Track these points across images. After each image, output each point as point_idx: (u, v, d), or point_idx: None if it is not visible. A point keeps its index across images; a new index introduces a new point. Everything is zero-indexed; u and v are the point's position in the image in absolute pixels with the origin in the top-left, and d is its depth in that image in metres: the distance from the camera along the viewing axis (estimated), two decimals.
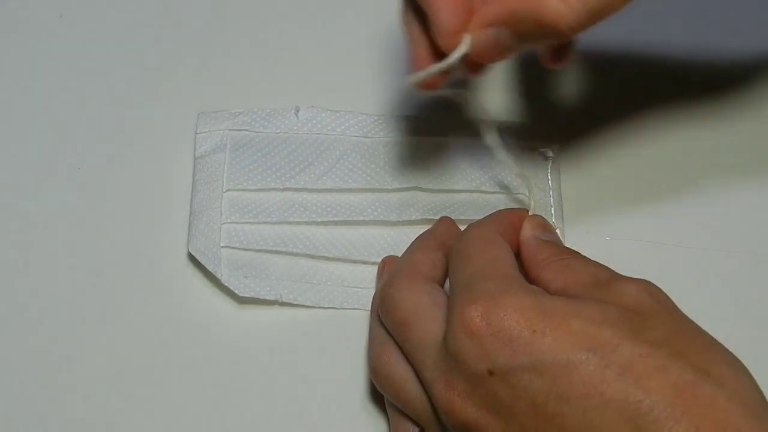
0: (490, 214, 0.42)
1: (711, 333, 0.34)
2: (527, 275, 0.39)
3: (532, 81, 0.51)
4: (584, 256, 0.39)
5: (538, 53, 0.42)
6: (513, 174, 0.47)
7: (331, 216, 0.46)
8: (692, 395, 0.31)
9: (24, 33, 0.52)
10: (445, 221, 0.44)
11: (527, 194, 0.47)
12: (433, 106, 0.50)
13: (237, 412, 0.42)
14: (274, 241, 0.45)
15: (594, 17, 0.37)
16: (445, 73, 0.40)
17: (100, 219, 0.47)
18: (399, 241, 0.46)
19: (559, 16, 0.36)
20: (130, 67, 0.51)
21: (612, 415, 0.31)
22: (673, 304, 0.35)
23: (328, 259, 0.45)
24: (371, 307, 0.42)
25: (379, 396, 0.42)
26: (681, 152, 0.49)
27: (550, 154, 0.48)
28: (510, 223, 0.41)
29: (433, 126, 0.49)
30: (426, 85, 0.41)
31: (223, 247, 0.45)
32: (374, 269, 0.45)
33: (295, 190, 0.46)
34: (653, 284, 0.36)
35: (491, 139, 0.44)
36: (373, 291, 0.44)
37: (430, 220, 0.46)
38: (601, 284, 0.36)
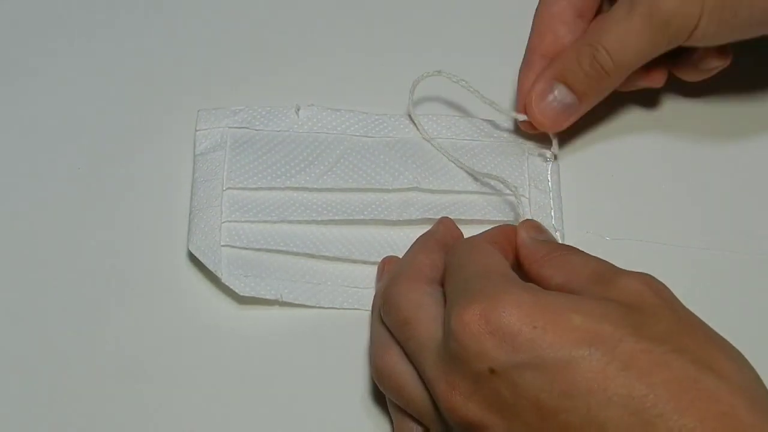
0: (481, 231, 0.42)
1: None
2: (527, 275, 0.39)
3: None
4: (583, 252, 0.39)
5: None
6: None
7: (331, 215, 0.46)
8: (696, 389, 0.31)
9: (24, 33, 0.52)
10: (445, 222, 0.44)
11: (527, 195, 0.47)
12: (434, 106, 0.50)
13: (237, 411, 0.42)
14: (275, 240, 0.45)
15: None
16: None
17: (100, 218, 0.47)
18: (399, 241, 0.46)
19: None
20: (130, 65, 0.51)
21: (616, 410, 0.31)
22: (675, 297, 0.35)
23: (328, 258, 0.45)
24: (372, 307, 0.43)
25: (379, 396, 0.41)
26: (681, 152, 0.49)
27: (550, 154, 0.49)
28: (501, 232, 0.41)
29: (435, 126, 0.49)
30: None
31: (223, 245, 0.45)
32: (374, 269, 0.45)
33: (296, 189, 0.46)
34: (654, 278, 0.36)
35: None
36: (373, 291, 0.44)
37: (430, 220, 0.46)
38: (602, 279, 0.36)
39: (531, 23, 0.49)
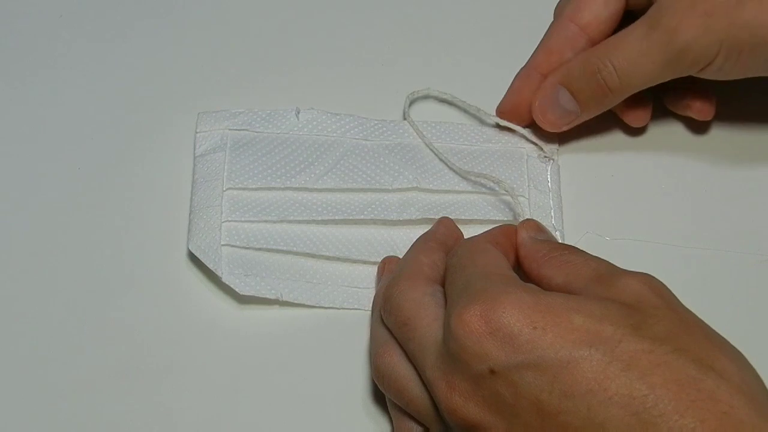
0: (481, 233, 0.42)
1: None
2: (527, 275, 0.39)
3: None
4: (583, 251, 0.38)
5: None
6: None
7: (331, 215, 0.46)
8: (696, 390, 0.31)
9: (24, 33, 0.52)
10: (445, 222, 0.44)
11: (526, 195, 0.47)
12: (433, 111, 0.50)
13: (237, 411, 0.42)
14: (275, 240, 0.45)
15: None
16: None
17: (100, 218, 0.47)
18: (399, 241, 0.46)
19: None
20: (130, 66, 0.51)
21: (617, 410, 0.31)
22: (675, 297, 0.35)
23: (328, 258, 0.45)
24: (372, 307, 0.42)
25: (379, 396, 0.41)
26: (681, 152, 0.49)
27: (550, 155, 0.49)
28: (502, 232, 0.41)
29: (434, 131, 0.49)
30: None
31: (223, 245, 0.45)
32: (374, 269, 0.45)
33: (296, 189, 0.46)
34: (654, 278, 0.36)
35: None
36: (373, 291, 0.44)
37: (430, 220, 0.46)
38: (602, 279, 0.36)
39: (530, 31, 0.49)
